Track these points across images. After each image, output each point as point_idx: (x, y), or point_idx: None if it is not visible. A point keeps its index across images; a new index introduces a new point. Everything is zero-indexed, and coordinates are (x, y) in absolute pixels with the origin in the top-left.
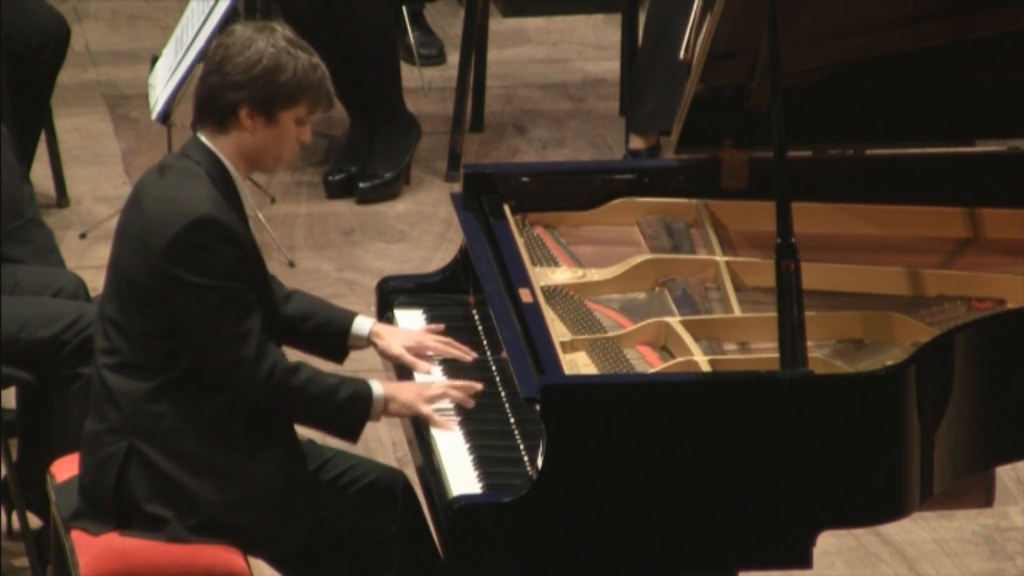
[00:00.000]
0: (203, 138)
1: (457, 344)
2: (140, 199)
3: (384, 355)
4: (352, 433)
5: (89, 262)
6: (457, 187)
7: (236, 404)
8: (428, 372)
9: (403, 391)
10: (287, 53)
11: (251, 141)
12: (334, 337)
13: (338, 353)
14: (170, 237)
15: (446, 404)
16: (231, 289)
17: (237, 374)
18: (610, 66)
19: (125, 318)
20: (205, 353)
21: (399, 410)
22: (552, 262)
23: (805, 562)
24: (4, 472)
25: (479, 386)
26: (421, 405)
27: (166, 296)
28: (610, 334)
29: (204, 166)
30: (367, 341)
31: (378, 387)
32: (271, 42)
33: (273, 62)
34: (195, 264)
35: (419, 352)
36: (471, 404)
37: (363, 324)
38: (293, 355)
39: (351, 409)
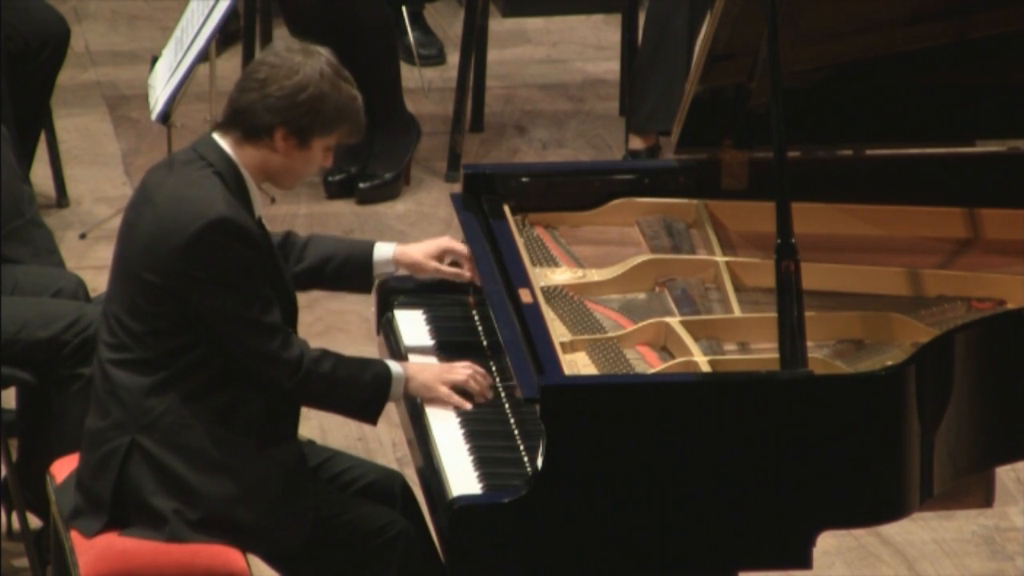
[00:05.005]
0: (220, 141)
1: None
2: (151, 196)
3: (412, 270)
4: (372, 415)
5: (89, 262)
6: (457, 187)
7: (239, 404)
8: (463, 276)
9: (424, 371)
10: (331, 83)
11: (277, 160)
12: (358, 270)
13: (365, 285)
14: (186, 238)
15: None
16: (249, 286)
17: (268, 368)
18: (610, 66)
19: (131, 315)
20: (234, 350)
21: (418, 389)
22: (552, 262)
23: (805, 563)
24: (4, 472)
25: (495, 388)
26: (440, 387)
27: (182, 295)
28: (610, 334)
29: (216, 167)
30: (393, 263)
31: (397, 367)
32: (317, 70)
33: (318, 91)
34: (212, 264)
35: (442, 257)
36: (483, 400)
37: (385, 250)
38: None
39: (373, 391)
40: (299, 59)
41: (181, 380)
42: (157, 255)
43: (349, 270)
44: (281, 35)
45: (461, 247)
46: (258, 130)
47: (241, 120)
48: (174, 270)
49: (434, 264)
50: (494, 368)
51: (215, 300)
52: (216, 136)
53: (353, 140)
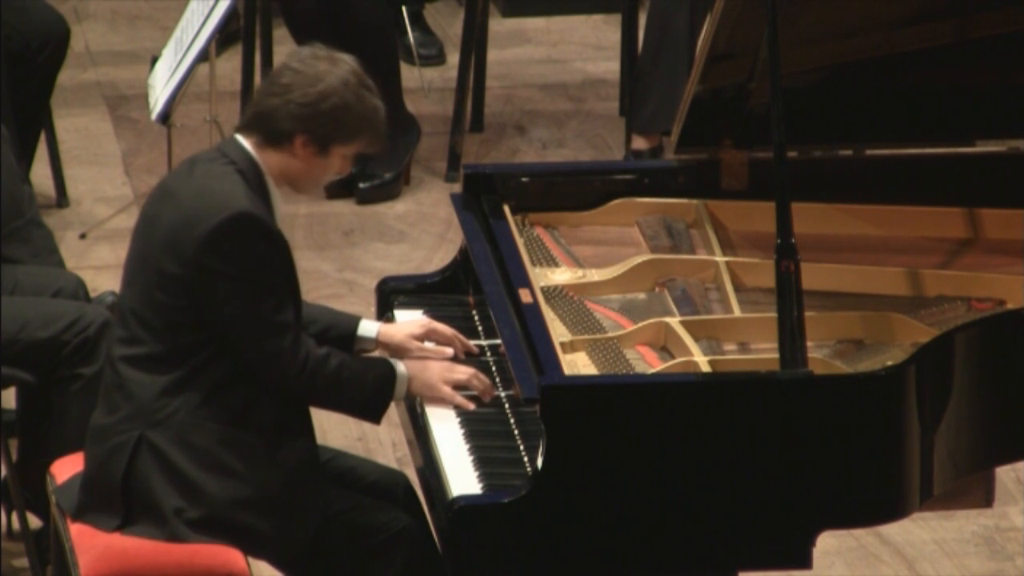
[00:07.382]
0: (244, 143)
1: (462, 337)
2: (173, 192)
3: (395, 352)
4: (376, 414)
5: (89, 262)
6: (457, 187)
7: (254, 403)
8: (443, 356)
9: (426, 371)
10: (354, 93)
11: (296, 166)
12: (338, 342)
13: None
14: (208, 230)
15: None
16: (266, 282)
17: (274, 366)
18: (610, 66)
19: (150, 309)
20: (243, 345)
21: (420, 389)
22: (552, 262)
23: (805, 563)
24: (4, 472)
25: (495, 392)
26: (443, 387)
27: (199, 287)
28: (610, 334)
29: (239, 165)
30: (375, 343)
31: (400, 366)
32: (341, 79)
33: (341, 101)
34: (232, 257)
35: (427, 339)
36: (487, 399)
37: (369, 327)
38: None
39: (377, 391)
40: (324, 67)
41: (195, 379)
42: (179, 245)
43: (330, 338)
44: (281, 35)
45: (444, 329)
46: (279, 135)
47: (263, 124)
48: (194, 260)
49: (416, 344)
50: (494, 368)
51: (230, 293)
52: (239, 137)
53: (373, 151)
